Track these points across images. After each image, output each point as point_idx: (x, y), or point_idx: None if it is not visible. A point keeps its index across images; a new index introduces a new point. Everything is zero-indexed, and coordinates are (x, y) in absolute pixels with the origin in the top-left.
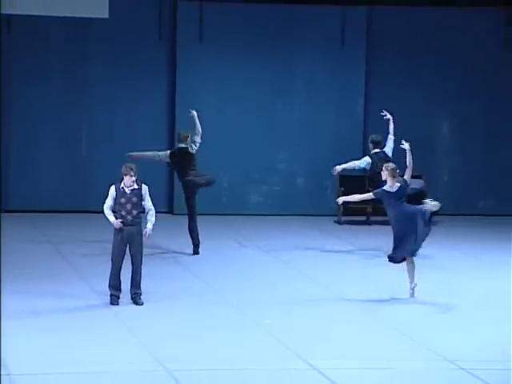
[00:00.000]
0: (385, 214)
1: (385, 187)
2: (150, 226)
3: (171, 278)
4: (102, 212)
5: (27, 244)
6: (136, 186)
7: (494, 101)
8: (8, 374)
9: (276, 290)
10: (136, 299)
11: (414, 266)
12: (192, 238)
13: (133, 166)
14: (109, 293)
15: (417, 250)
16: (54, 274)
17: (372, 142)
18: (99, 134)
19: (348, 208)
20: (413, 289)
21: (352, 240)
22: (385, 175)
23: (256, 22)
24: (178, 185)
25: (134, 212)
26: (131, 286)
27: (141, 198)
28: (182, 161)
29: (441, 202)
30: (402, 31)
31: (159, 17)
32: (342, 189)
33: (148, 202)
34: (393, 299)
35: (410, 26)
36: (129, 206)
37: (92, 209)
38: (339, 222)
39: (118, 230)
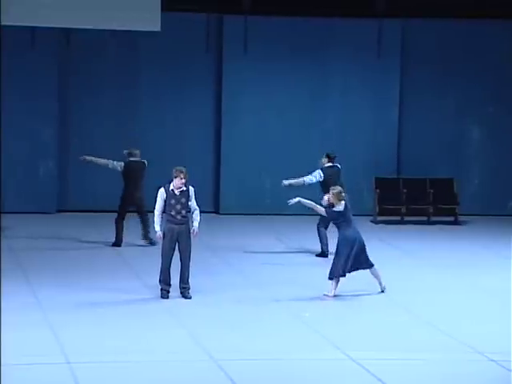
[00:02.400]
0: (419, 214)
1: (334, 208)
2: (196, 224)
3: (217, 273)
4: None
5: (82, 242)
6: (184, 188)
7: None
8: (68, 363)
9: (315, 287)
10: (185, 293)
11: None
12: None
13: (183, 168)
14: (159, 287)
15: (343, 272)
16: (109, 270)
17: (327, 156)
18: (150, 143)
19: (384, 209)
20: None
21: (387, 239)
22: (331, 198)
23: (296, 35)
24: (224, 185)
25: (183, 212)
26: (180, 281)
27: (188, 198)
28: (136, 174)
29: (471, 203)
30: (434, 42)
31: (206, 30)
32: (378, 190)
33: (194, 203)
34: (422, 294)
35: (443, 37)
36: (178, 207)
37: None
38: (375, 222)
39: (169, 229)
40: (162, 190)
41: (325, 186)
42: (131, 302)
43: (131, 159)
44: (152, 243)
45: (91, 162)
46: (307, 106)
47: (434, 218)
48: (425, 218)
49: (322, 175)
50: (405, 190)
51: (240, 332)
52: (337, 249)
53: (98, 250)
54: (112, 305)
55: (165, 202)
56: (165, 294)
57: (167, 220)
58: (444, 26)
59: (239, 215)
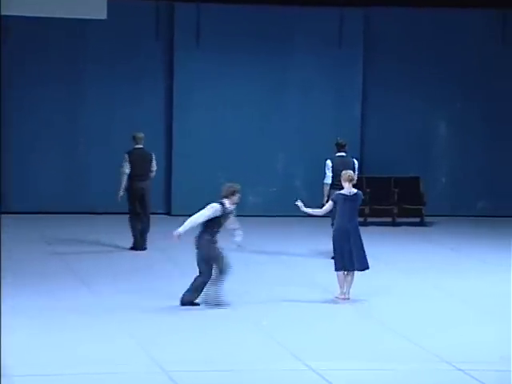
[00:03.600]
0: (383, 215)
1: (341, 191)
2: (239, 238)
3: (169, 278)
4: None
5: (26, 244)
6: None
7: (492, 101)
8: (4, 376)
9: (274, 292)
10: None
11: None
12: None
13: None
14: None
15: (353, 266)
16: (51, 274)
17: (336, 144)
18: (96, 135)
19: (373, 209)
20: (343, 298)
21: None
22: (342, 180)
23: (253, 24)
24: (176, 184)
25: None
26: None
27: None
28: (139, 163)
29: (438, 203)
30: (399, 32)
31: (156, 18)
32: (368, 190)
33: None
34: (388, 300)
35: (408, 26)
36: (225, 224)
37: (89, 209)
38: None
39: (215, 249)
40: (217, 207)
41: (334, 179)
42: (77, 309)
43: (135, 147)
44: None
45: (123, 189)
46: (265, 100)
47: (398, 219)
48: (389, 219)
49: (331, 165)
50: (368, 190)
51: (193, 341)
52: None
53: (37, 252)
54: (55, 311)
55: (214, 219)
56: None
57: (208, 240)
58: (409, 15)
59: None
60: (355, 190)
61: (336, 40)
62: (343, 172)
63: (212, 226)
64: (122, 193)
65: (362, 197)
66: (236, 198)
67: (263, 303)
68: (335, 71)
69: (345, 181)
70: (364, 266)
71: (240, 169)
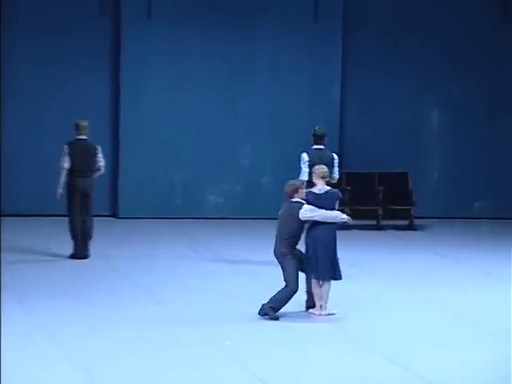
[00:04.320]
0: (365, 217)
1: (312, 189)
2: None
3: (114, 289)
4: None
5: None
6: None
7: (493, 83)
8: None
9: (237, 306)
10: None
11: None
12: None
13: None
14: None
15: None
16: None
17: (314, 135)
18: (28, 125)
19: (355, 210)
20: (319, 314)
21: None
22: (314, 176)
23: None
24: (123, 182)
25: None
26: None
27: None
28: (81, 156)
29: (430, 203)
30: (384, 3)
31: None
32: (349, 188)
33: None
34: (371, 315)
35: None
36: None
37: (20, 211)
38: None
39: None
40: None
41: (310, 176)
42: (7, 328)
43: (77, 138)
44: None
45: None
46: (228, 82)
47: (384, 222)
48: (373, 222)
49: (307, 160)
50: (348, 188)
51: (143, 363)
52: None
53: None
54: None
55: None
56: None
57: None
58: None
59: (143, 219)
60: (327, 188)
61: (311, 12)
62: (315, 167)
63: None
64: (61, 191)
65: (340, 195)
66: (302, 194)
67: (225, 320)
68: (310, 48)
69: (317, 177)
70: (336, 276)
71: (198, 163)
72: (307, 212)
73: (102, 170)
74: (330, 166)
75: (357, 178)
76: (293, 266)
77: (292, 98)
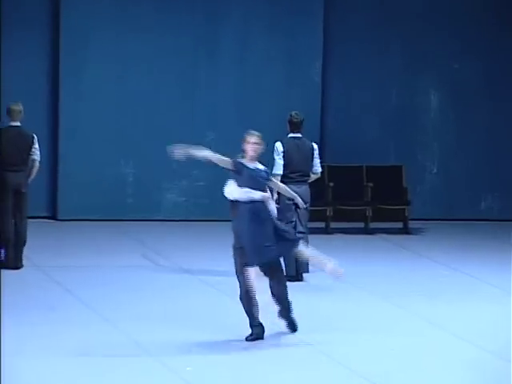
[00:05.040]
0: (351, 219)
1: (243, 160)
2: None
3: (52, 306)
4: None
5: None
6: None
7: (502, 62)
8: None
9: (200, 326)
10: None
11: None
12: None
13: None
14: None
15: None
16: None
17: (289, 121)
18: None
19: (338, 211)
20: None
21: None
22: (246, 145)
23: None
24: (63, 178)
25: None
26: None
27: None
28: (13, 146)
29: (427, 203)
30: None
31: None
32: (332, 184)
33: None
34: (356, 337)
35: None
36: None
37: None
38: None
39: None
40: None
41: (286, 169)
42: None
43: (9, 124)
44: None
45: None
46: (188, 59)
47: (373, 225)
48: (360, 225)
49: (281, 150)
50: (331, 184)
51: None
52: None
53: None
54: None
55: None
56: None
57: None
58: None
59: (87, 221)
60: (260, 166)
61: None
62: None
63: None
64: None
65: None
66: None
67: (183, 343)
68: (287, 19)
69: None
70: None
71: (152, 156)
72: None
73: (37, 165)
74: (310, 158)
75: (341, 172)
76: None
77: (264, 78)
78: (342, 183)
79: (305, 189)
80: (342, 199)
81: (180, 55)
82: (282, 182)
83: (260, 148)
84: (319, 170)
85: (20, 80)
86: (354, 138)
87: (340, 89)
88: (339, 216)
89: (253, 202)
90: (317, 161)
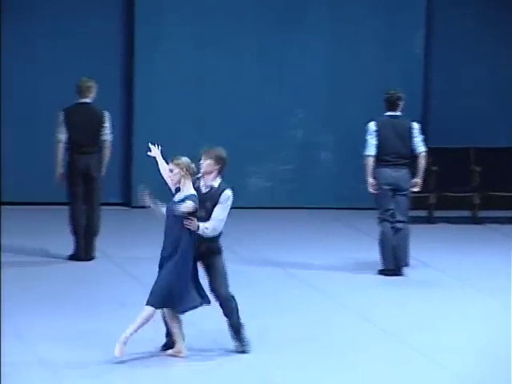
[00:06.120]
0: (457, 206)
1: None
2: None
3: (124, 298)
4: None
5: None
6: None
7: None
8: None
9: (288, 323)
10: None
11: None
12: None
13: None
14: None
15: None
16: None
17: (386, 99)
18: (13, 86)
19: (443, 198)
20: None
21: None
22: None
23: None
24: (138, 164)
25: None
26: None
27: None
28: (86, 125)
29: None
30: None
31: None
32: (435, 168)
33: None
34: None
35: None
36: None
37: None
38: None
39: None
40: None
41: (380, 151)
42: None
43: (78, 101)
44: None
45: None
46: (276, 32)
47: (481, 214)
48: (467, 214)
49: (374, 129)
50: (434, 168)
51: None
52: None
53: None
54: None
55: None
56: None
57: None
58: None
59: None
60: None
61: None
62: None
63: None
64: (61, 170)
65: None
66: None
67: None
68: None
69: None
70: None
71: (236, 137)
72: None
73: (109, 146)
74: (407, 139)
75: (446, 155)
76: None
77: (358, 51)
78: (447, 167)
79: (404, 173)
80: (446, 185)
81: (263, 29)
82: (377, 165)
83: (176, 175)
84: (421, 149)
85: (91, 55)
86: (460, 117)
87: (444, 63)
88: (443, 204)
89: None
90: (417, 140)
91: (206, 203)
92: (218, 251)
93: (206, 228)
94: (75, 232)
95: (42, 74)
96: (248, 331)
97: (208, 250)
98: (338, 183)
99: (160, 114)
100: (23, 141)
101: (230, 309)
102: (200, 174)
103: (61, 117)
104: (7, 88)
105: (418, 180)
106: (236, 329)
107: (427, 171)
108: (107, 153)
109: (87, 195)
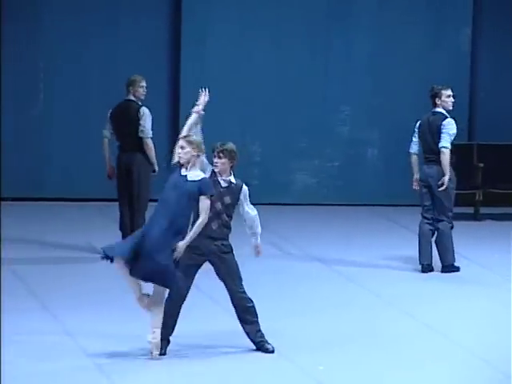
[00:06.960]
0: (500, 203)
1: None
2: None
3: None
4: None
5: None
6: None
7: None
8: None
9: (334, 320)
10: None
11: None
12: None
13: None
14: None
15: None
16: None
17: (432, 95)
18: (63, 82)
19: (489, 194)
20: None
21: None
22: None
23: None
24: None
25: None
26: None
27: None
28: (122, 122)
29: None
30: None
31: None
32: (482, 165)
33: None
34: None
35: None
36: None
37: (50, 194)
38: None
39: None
40: None
41: (422, 148)
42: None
43: (125, 99)
44: None
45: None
46: (321, 25)
47: None
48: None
49: (416, 126)
50: (481, 165)
51: None
52: None
53: None
54: None
55: None
56: None
57: None
58: None
59: None
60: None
61: None
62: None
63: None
64: (111, 163)
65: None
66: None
67: (318, 340)
68: None
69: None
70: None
71: (281, 133)
72: None
73: (147, 143)
74: (436, 134)
75: (492, 151)
76: None
77: (404, 45)
78: (494, 164)
79: (435, 170)
80: (493, 182)
81: (309, 21)
82: (421, 162)
83: (187, 153)
84: (441, 144)
85: (138, 50)
86: (508, 113)
87: (491, 58)
88: (490, 200)
89: None
90: (442, 135)
91: (225, 197)
92: (229, 250)
93: (259, 232)
94: (121, 229)
95: (92, 70)
96: (291, 328)
97: (219, 250)
98: (383, 180)
99: (206, 110)
100: (74, 139)
101: (244, 307)
102: (214, 169)
103: (108, 114)
104: (60, 85)
105: (445, 177)
106: (252, 333)
107: (474, 168)
108: (148, 151)
109: (131, 197)
